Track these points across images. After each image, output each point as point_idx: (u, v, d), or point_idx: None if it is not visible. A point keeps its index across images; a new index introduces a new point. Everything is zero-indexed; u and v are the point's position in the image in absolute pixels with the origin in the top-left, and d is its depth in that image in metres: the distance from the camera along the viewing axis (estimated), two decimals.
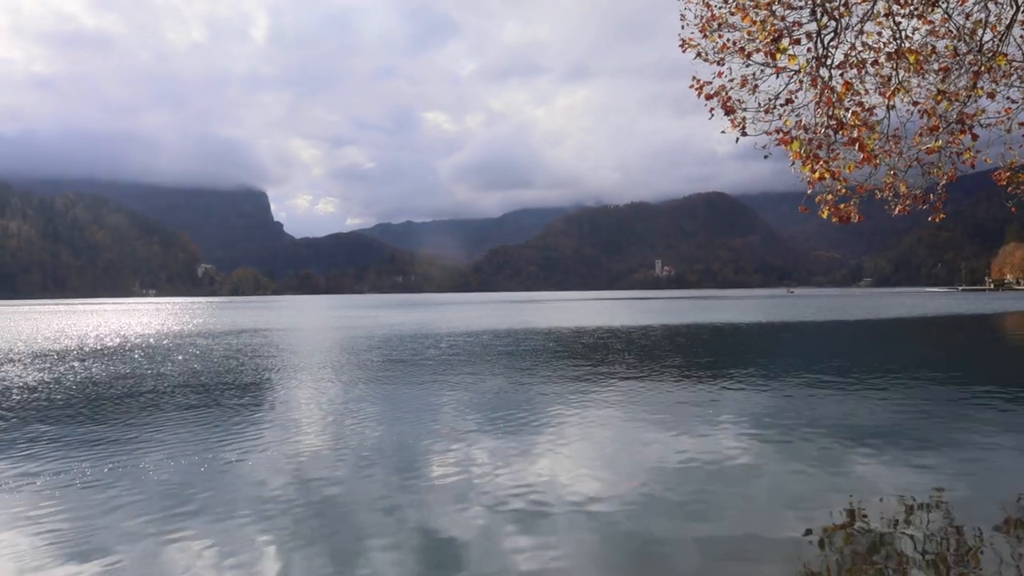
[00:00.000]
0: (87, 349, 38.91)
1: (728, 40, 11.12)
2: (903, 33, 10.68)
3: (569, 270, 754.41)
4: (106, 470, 12.70)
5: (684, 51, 11.59)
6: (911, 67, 10.65)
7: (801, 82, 11.03)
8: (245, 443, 14.87)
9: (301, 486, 11.49)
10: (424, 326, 61.09)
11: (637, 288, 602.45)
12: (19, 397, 21.53)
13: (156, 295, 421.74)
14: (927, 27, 10.74)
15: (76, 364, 30.76)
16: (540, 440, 14.79)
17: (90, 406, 19.88)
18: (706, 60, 11.39)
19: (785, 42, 10.60)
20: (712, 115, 11.32)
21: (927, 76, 10.92)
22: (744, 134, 11.17)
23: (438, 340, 43.50)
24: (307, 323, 71.24)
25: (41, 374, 27.14)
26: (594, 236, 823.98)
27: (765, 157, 11.43)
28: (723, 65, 11.23)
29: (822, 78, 10.82)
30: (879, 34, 10.81)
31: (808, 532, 9.23)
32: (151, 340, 46.02)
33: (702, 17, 11.37)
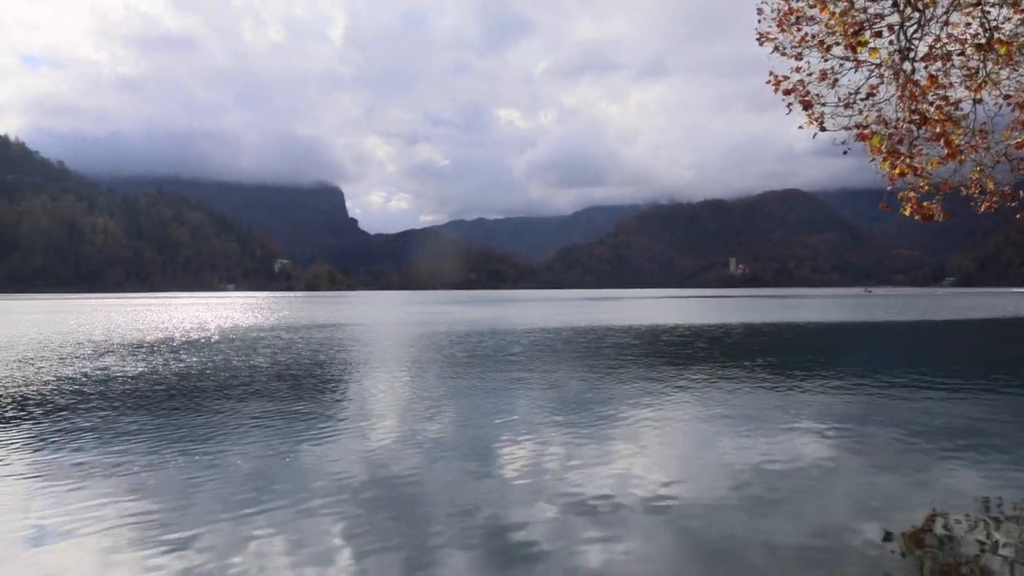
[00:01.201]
0: (174, 342, 39.82)
1: (807, 33, 10.88)
2: (992, 23, 10.30)
3: (641, 268, 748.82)
4: (193, 457, 13.08)
5: (761, 45, 11.38)
6: (1001, 59, 10.27)
7: (882, 76, 10.73)
8: (323, 435, 15.11)
9: (376, 479, 11.60)
10: (497, 322, 61.24)
11: (710, 287, 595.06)
12: (114, 387, 22.10)
13: (234, 290, 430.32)
14: (1019, 16, 10.33)
15: (165, 356, 31.49)
16: (614, 438, 14.67)
17: (178, 396, 20.35)
18: (784, 54, 11.16)
19: (866, 35, 10.32)
20: (790, 110, 11.09)
21: (1018, 68, 10.53)
22: (823, 129, 10.92)
23: (511, 336, 43.53)
24: (382, 318, 71.94)
25: (133, 365, 27.84)
26: (667, 234, 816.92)
27: (844, 153, 11.14)
28: (801, 59, 11.00)
29: (905, 72, 10.52)
30: (966, 25, 10.46)
31: (887, 538, 8.97)
32: (233, 334, 46.92)
33: (780, 11, 11.13)
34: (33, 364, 28.72)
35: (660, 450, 13.65)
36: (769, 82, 11.08)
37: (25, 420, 16.98)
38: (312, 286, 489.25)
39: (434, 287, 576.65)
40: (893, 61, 10.50)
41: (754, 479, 11.55)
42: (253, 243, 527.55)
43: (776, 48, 11.21)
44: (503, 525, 9.39)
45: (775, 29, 11.23)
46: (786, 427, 15.74)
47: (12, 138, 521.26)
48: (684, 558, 8.39)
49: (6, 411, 18.16)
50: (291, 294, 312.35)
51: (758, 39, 11.37)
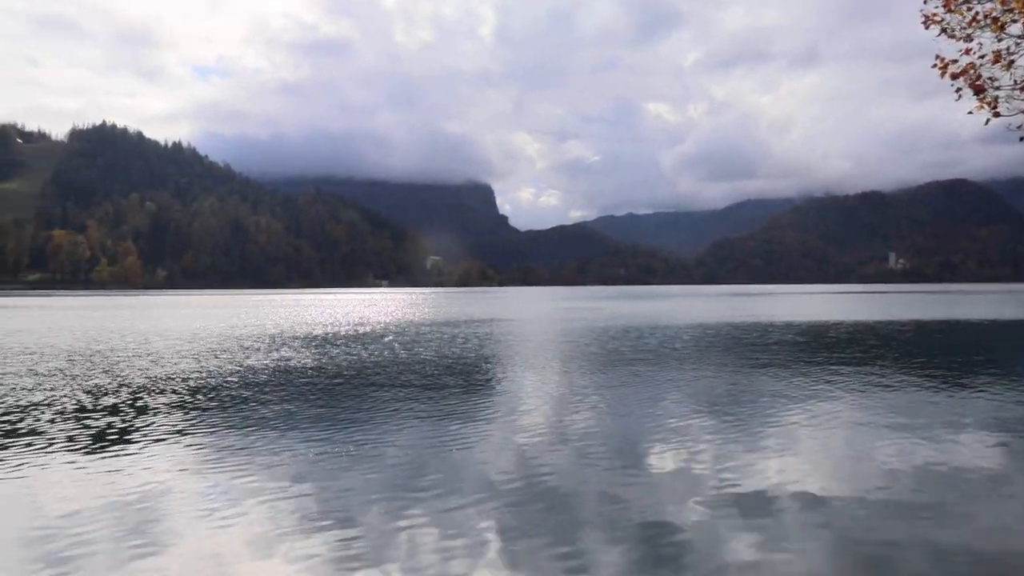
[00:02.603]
0: (339, 336, 41.13)
1: (978, 13, 10.24)
2: None
3: (795, 263, 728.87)
4: (349, 447, 13.48)
5: (927, 28, 10.78)
6: None
7: None
8: (475, 428, 15.32)
9: (528, 473, 11.65)
10: (648, 318, 60.73)
11: (868, 282, 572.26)
12: (286, 378, 23.00)
13: (387, 286, 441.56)
14: None
15: (330, 349, 32.57)
16: (768, 437, 14.26)
17: (341, 388, 21.01)
18: (952, 36, 10.54)
19: None
20: (959, 95, 10.49)
21: None
22: (996, 115, 10.27)
23: (662, 332, 43.07)
24: (533, 313, 72.44)
25: (303, 358, 28.92)
26: (822, 227, 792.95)
27: (1021, 139, 10.43)
28: (972, 41, 10.36)
29: None
30: None
31: None
32: (390, 329, 48.15)
33: None
34: (215, 355, 30.27)
35: (818, 450, 13.20)
36: (935, 66, 10.50)
37: (203, 408, 17.86)
38: (463, 282, 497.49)
39: (584, 283, 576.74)
40: None
41: (918, 483, 11.01)
42: (405, 240, 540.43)
43: (943, 30, 10.60)
44: (655, 522, 9.27)
45: (942, 10, 10.62)
46: (952, 431, 14.90)
47: (184, 144, 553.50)
48: (839, 561, 8.10)
49: (187, 399, 19.15)
50: (442, 290, 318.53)
51: (923, 21, 10.78)
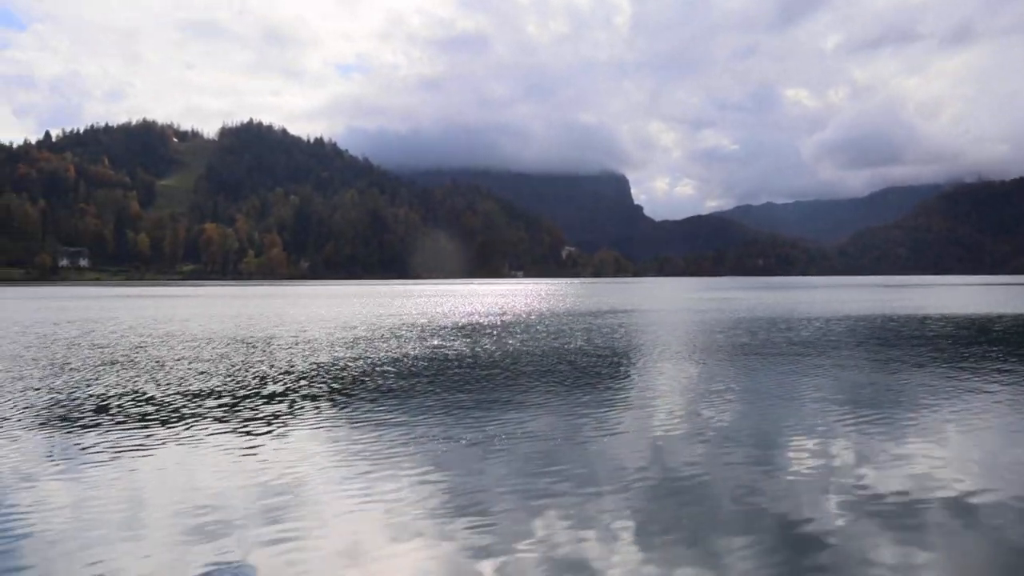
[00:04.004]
0: (485, 324, 42.12)
1: None
2: None
3: (943, 253, 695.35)
4: (482, 435, 13.90)
5: None
6: None
7: None
8: (607, 420, 15.53)
9: (661, 467, 11.73)
10: (787, 309, 59.66)
11: None
12: (434, 366, 23.94)
13: (523, 276, 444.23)
14: None
15: (476, 338, 33.54)
16: (912, 436, 13.85)
17: (484, 376, 21.69)
18: None
19: None
20: None
21: None
22: None
23: (802, 323, 42.40)
24: (669, 304, 72.07)
25: (447, 348, 29.89)
26: (974, 215, 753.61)
27: None
28: None
29: None
30: None
31: None
32: (532, 319, 48.89)
33: None
34: (367, 343, 31.63)
35: (967, 451, 12.78)
36: None
37: (354, 395, 18.88)
38: (597, 273, 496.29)
39: (720, 274, 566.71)
40: None
41: None
42: (541, 230, 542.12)
43: None
44: (791, 520, 9.20)
45: None
46: None
47: (325, 139, 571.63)
48: (989, 568, 7.95)
49: (340, 386, 20.26)
50: (578, 281, 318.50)
51: None
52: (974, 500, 9.96)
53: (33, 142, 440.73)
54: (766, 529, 8.92)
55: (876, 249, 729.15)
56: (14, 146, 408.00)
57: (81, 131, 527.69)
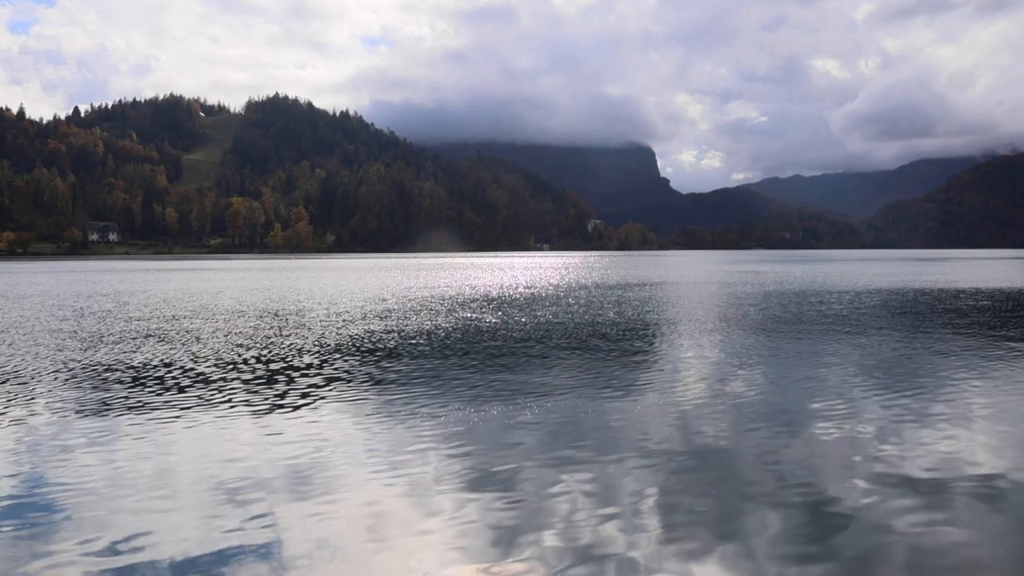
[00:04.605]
0: (513, 297, 42.33)
1: None
2: None
3: (975, 226, 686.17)
4: (513, 408, 14.04)
5: None
6: None
7: None
8: (632, 392, 15.73)
9: (684, 440, 11.79)
10: (814, 282, 59.47)
11: None
12: (460, 339, 24.18)
13: (549, 249, 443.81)
14: None
15: (505, 310, 33.75)
16: (938, 410, 13.83)
17: (511, 348, 21.94)
18: None
19: None
20: None
21: None
22: None
23: (829, 297, 42.28)
24: (695, 277, 71.96)
25: (476, 320, 30.10)
26: (1008, 188, 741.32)
27: None
28: None
29: None
30: None
31: None
32: (559, 292, 49.01)
33: None
34: (396, 316, 31.96)
35: (994, 429, 12.66)
36: None
37: (383, 366, 19.16)
38: (623, 246, 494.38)
39: (747, 247, 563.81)
40: None
41: None
42: (567, 203, 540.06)
43: None
44: (816, 498, 9.12)
45: None
46: None
47: (351, 112, 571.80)
48: (1018, 548, 7.85)
49: (370, 358, 20.53)
50: (604, 254, 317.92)
51: None
52: (1004, 478, 9.87)
53: (62, 117, 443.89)
54: (789, 504, 8.91)
55: (905, 223, 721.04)
56: (44, 121, 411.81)
57: (109, 106, 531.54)
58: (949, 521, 8.31)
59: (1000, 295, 44.18)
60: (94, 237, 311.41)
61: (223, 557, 7.41)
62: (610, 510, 8.68)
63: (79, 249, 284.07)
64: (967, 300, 40.42)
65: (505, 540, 7.87)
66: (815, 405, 14.36)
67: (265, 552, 7.57)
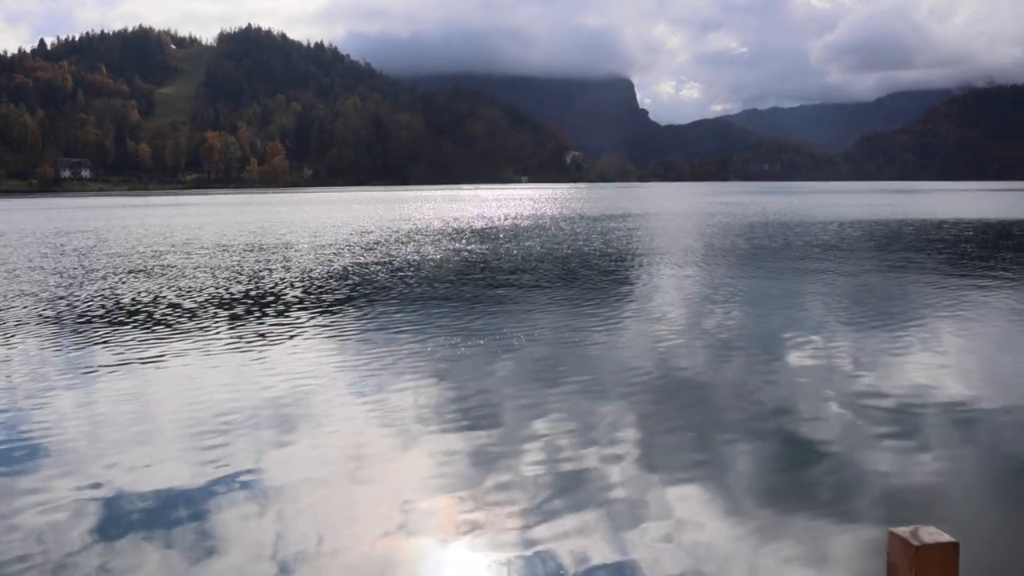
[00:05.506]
0: (489, 230, 42.09)
1: None
2: None
3: (950, 159, 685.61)
4: (492, 341, 13.90)
5: None
6: None
7: None
8: (610, 324, 15.67)
9: (662, 370, 11.78)
10: (791, 214, 59.58)
11: None
12: (435, 274, 23.99)
13: (527, 182, 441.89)
14: None
15: (479, 244, 33.51)
16: (910, 339, 13.80)
17: (487, 282, 21.88)
18: None
19: None
20: None
21: None
22: None
23: (818, 227, 42.36)
24: (676, 208, 71.91)
25: (450, 254, 29.89)
26: (983, 121, 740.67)
27: None
28: None
29: None
30: None
31: None
32: (536, 225, 48.82)
33: None
34: (381, 248, 31.66)
35: (965, 357, 12.69)
36: None
37: (357, 302, 19.08)
38: (602, 178, 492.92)
39: (726, 179, 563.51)
40: None
41: None
42: (545, 136, 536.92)
43: None
44: (786, 421, 9.20)
45: None
46: None
47: (326, 44, 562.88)
48: (985, 469, 7.86)
49: (344, 294, 20.43)
50: (582, 185, 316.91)
51: None
52: (977, 406, 9.82)
53: (28, 51, 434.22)
54: (766, 432, 8.90)
55: (882, 155, 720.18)
56: (8, 55, 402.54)
57: (76, 39, 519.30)
58: (922, 448, 8.31)
59: (981, 226, 44.36)
60: (66, 174, 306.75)
61: (207, 491, 7.32)
62: (590, 440, 8.65)
63: (51, 186, 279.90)
64: (951, 231, 40.55)
65: (486, 470, 7.83)
66: (795, 335, 14.30)
67: (248, 484, 7.50)
